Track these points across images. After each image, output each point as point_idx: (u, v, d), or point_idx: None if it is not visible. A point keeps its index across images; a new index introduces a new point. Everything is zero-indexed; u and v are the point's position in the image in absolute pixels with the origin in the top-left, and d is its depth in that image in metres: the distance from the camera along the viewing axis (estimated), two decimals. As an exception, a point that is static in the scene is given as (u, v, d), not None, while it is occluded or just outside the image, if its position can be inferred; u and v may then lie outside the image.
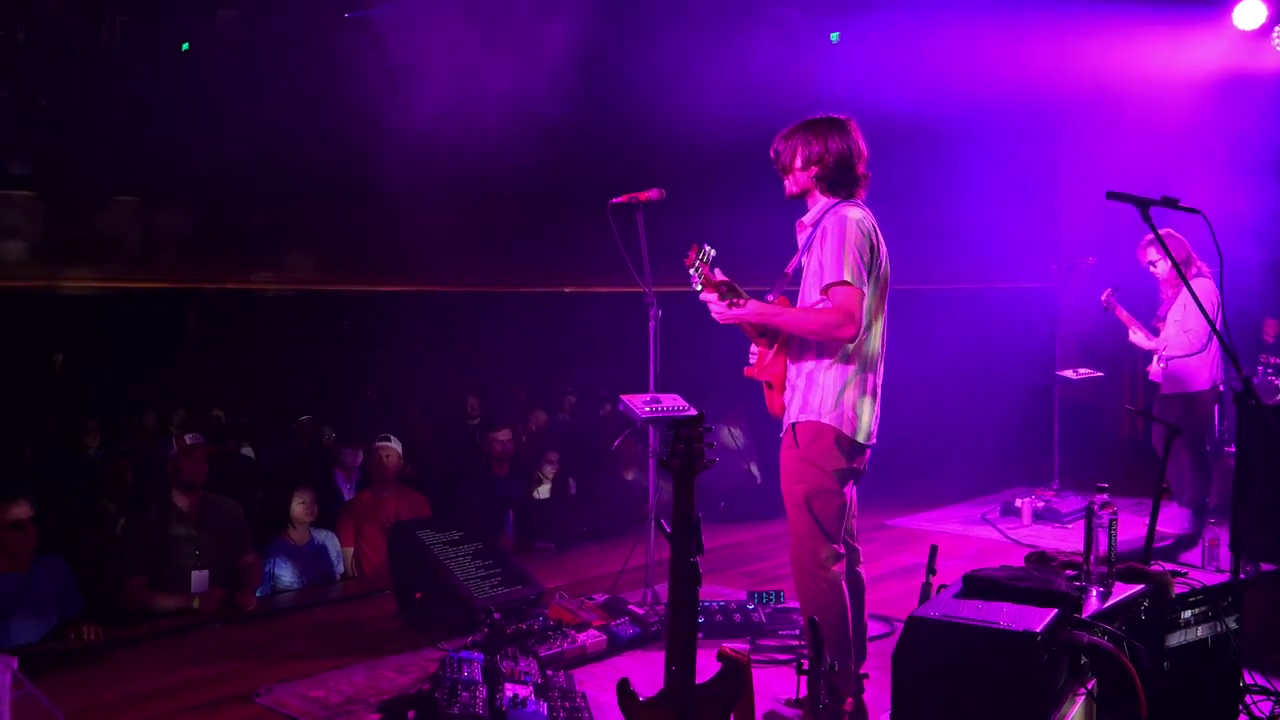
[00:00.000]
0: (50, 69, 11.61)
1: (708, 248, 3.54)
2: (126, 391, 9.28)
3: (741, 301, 3.58)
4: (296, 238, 11.91)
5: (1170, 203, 3.93)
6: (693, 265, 3.54)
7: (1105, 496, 3.26)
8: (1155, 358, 6.89)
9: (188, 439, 5.51)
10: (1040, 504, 7.16)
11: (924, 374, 10.89)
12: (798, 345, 3.67)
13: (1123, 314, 7.10)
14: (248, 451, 7.76)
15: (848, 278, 3.47)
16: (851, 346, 3.57)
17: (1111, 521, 3.26)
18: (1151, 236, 6.57)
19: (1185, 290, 6.49)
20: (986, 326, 10.84)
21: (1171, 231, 6.64)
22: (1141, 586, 3.33)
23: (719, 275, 3.61)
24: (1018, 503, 7.16)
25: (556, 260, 12.03)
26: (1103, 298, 7.20)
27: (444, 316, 13.36)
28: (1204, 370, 6.56)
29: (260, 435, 8.62)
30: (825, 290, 3.52)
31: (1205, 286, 6.39)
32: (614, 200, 4.56)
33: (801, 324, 3.59)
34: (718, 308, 3.60)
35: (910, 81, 9.94)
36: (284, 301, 12.30)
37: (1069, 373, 7.61)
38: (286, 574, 5.76)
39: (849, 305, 3.46)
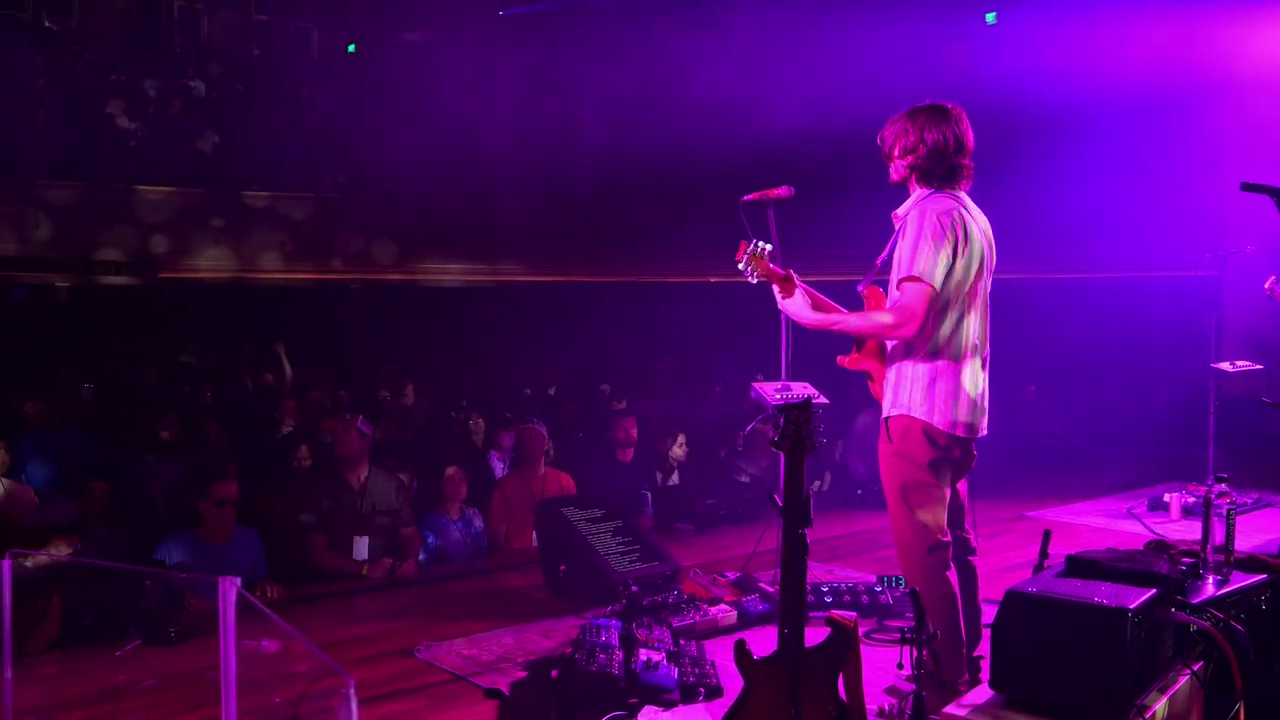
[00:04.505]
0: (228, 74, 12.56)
1: (759, 243, 3.57)
2: (307, 375, 10.06)
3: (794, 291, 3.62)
4: (476, 235, 12.60)
5: (1306, 193, 3.87)
6: (742, 260, 3.58)
7: (1223, 486, 3.30)
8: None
9: (347, 417, 6.04)
10: (1190, 499, 6.94)
11: (1079, 365, 10.68)
12: (885, 340, 3.69)
13: None
14: (405, 432, 8.30)
15: (917, 273, 3.46)
16: (942, 339, 3.55)
17: (1230, 511, 3.29)
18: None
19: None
20: (1145, 317, 10.52)
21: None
22: (1262, 576, 3.35)
23: (778, 269, 3.65)
24: (1166, 498, 6.97)
25: (703, 250, 12.28)
26: (1266, 285, 6.95)
27: (597, 306, 13.81)
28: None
29: (419, 417, 9.17)
30: (898, 284, 3.54)
31: None
32: (745, 198, 4.59)
33: (858, 328, 3.65)
34: (780, 299, 3.69)
35: (1073, 68, 9.74)
36: (447, 292, 13.01)
37: (1225, 365, 7.35)
38: (440, 545, 6.22)
39: (911, 303, 3.47)
